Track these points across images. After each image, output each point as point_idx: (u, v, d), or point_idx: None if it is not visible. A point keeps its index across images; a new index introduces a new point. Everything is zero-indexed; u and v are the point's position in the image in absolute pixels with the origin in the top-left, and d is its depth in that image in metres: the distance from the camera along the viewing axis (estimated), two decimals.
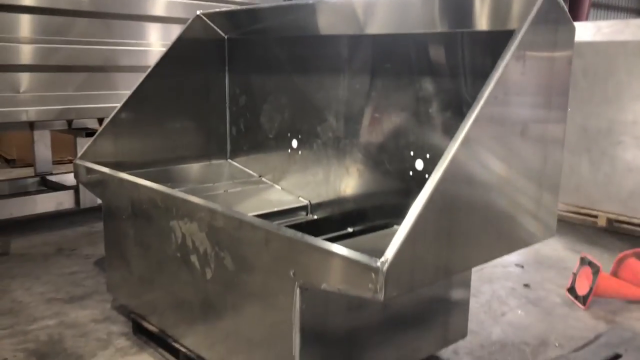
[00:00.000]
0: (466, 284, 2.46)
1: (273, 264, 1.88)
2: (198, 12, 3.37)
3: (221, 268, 2.13)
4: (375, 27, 2.76)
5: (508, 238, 1.96)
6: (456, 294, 2.44)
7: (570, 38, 2.02)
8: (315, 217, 3.17)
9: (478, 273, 3.61)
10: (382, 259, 1.52)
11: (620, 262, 3.36)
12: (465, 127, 1.68)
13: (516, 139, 1.90)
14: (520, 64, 1.83)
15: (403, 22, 2.60)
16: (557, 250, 4.12)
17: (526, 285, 3.45)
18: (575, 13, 18.41)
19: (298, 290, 1.82)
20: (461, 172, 1.69)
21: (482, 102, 1.72)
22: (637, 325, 2.93)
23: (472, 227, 1.79)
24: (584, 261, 3.25)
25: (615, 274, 3.35)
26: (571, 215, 4.68)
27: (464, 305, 2.48)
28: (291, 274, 1.80)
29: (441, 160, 1.64)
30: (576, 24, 4.97)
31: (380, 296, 1.54)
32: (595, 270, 3.12)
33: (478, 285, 3.43)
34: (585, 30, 4.64)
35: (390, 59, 2.73)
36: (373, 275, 1.54)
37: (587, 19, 18.20)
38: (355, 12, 2.72)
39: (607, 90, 4.37)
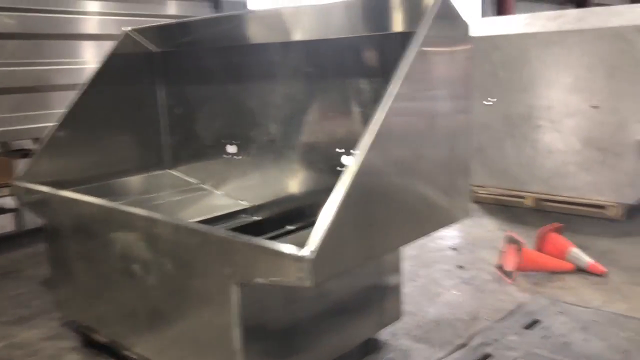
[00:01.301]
0: (396, 269, 2.64)
1: (210, 265, 2.00)
2: (126, 29, 3.44)
3: (163, 274, 2.24)
4: (302, 34, 2.91)
5: (425, 221, 2.14)
6: (387, 279, 2.61)
7: (465, 34, 2.23)
8: (257, 218, 3.30)
9: (415, 259, 3.82)
10: (307, 248, 1.67)
11: (541, 237, 3.63)
12: (376, 122, 1.85)
13: (425, 130, 2.08)
14: (421, 61, 2.02)
15: (327, 28, 2.77)
16: (489, 231, 4.39)
17: (460, 267, 3.68)
18: (503, 7, 19.10)
19: (235, 287, 1.94)
20: (374, 164, 1.86)
21: (388, 98, 1.89)
22: (557, 293, 3.19)
23: (390, 213, 1.96)
24: (509, 239, 3.50)
25: (538, 248, 3.62)
26: (501, 197, 4.97)
27: (396, 289, 2.66)
28: (227, 272, 1.93)
29: (355, 155, 1.80)
30: (491, 19, 5.29)
31: (308, 283, 1.69)
32: (519, 247, 3.37)
33: (415, 269, 3.64)
34: (501, 25, 4.94)
35: (318, 63, 2.89)
36: (300, 264, 1.68)
37: (514, 12, 18.90)
38: (283, 20, 2.87)
39: (523, 78, 4.68)
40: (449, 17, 2.14)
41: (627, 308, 2.96)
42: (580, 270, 3.47)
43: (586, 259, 3.47)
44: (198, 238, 2.01)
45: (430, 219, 2.16)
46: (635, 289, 3.20)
